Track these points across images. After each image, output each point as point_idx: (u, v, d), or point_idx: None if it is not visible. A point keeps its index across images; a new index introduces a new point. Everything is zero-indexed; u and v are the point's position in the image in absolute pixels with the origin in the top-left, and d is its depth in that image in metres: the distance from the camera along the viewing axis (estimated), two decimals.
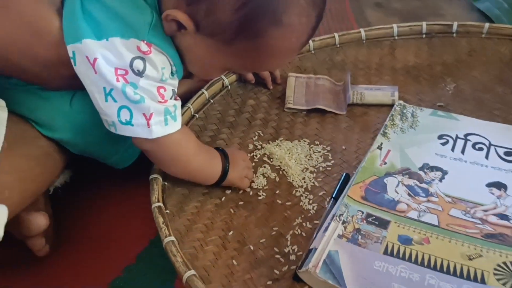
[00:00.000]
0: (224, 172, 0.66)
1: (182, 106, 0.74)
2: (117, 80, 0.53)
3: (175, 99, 0.60)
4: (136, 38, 0.53)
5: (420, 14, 1.24)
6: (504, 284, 0.52)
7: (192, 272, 0.54)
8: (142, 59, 0.54)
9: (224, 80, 0.85)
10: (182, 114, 0.68)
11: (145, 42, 0.54)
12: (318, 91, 0.85)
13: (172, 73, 0.58)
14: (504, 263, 0.55)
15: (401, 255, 0.57)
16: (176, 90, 0.60)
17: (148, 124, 0.56)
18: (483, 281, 0.53)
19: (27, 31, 0.54)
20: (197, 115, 0.80)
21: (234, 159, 0.68)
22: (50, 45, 0.55)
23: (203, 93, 0.82)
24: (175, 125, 0.59)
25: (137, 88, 0.54)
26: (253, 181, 0.71)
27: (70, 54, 0.54)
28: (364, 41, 0.92)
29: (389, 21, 1.20)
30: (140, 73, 0.54)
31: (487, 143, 0.71)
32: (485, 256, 0.56)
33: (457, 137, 0.73)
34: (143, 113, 0.55)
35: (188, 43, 0.56)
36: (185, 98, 0.78)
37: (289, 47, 0.56)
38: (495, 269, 0.54)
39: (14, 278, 0.65)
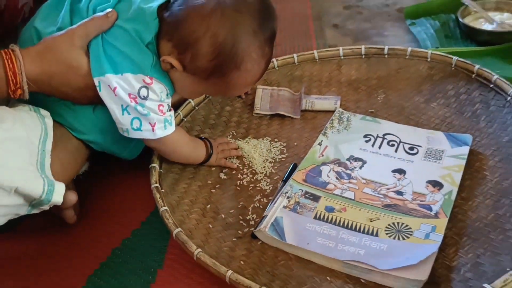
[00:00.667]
0: (209, 155, 0.93)
1: (174, 112, 0.98)
2: (131, 101, 0.78)
3: (170, 110, 0.85)
4: (142, 74, 0.78)
5: (368, 35, 1.45)
6: (389, 236, 0.78)
7: (179, 229, 0.79)
8: (146, 88, 0.79)
9: None
10: (175, 118, 0.93)
11: (148, 76, 0.79)
12: (279, 99, 1.10)
13: (167, 94, 0.82)
14: (393, 223, 0.80)
15: (325, 219, 0.82)
16: (170, 104, 0.85)
17: (153, 129, 0.81)
18: (376, 235, 0.78)
19: (64, 67, 0.78)
20: (185, 119, 1.05)
21: (217, 150, 0.95)
22: (80, 77, 0.79)
23: (190, 102, 1.06)
24: (171, 129, 0.84)
25: (144, 107, 0.79)
26: (234, 164, 0.96)
27: (96, 84, 0.78)
28: (317, 60, 1.16)
29: (343, 39, 1.44)
30: (145, 98, 0.79)
31: (398, 140, 0.96)
32: (382, 219, 0.81)
33: (377, 136, 0.98)
34: (149, 122, 0.81)
35: (177, 77, 0.81)
36: (176, 105, 1.03)
37: (246, 83, 0.83)
38: (386, 227, 0.79)
39: (50, 239, 0.88)
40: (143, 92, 0.78)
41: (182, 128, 0.95)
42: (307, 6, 1.62)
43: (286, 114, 1.06)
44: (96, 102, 0.82)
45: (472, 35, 1.32)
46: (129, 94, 0.78)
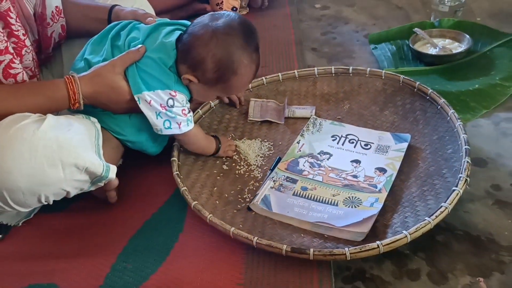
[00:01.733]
0: (218, 149, 1.23)
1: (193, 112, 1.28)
2: (162, 109, 1.09)
3: (190, 112, 1.14)
4: (168, 89, 1.09)
5: (340, 56, 1.74)
6: (346, 206, 1.08)
7: (196, 202, 1.08)
8: (172, 99, 1.09)
9: (211, 104, 1.39)
10: (194, 116, 1.22)
11: (173, 90, 1.09)
12: (268, 109, 1.40)
13: (187, 101, 1.13)
14: (349, 197, 1.11)
15: (301, 195, 1.12)
16: (189, 108, 1.14)
17: (179, 127, 1.12)
18: (336, 205, 1.09)
19: (108, 88, 1.07)
20: (204, 116, 1.36)
21: (223, 142, 1.25)
22: (120, 95, 1.08)
23: (198, 111, 1.36)
24: (192, 125, 1.15)
25: (172, 112, 1.10)
26: (234, 155, 1.26)
27: (136, 99, 1.09)
28: (297, 78, 1.47)
29: (320, 61, 1.73)
30: (172, 106, 1.09)
31: (357, 139, 1.27)
32: (341, 194, 1.12)
33: (341, 136, 1.29)
34: (176, 122, 1.11)
35: (195, 87, 1.12)
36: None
37: (244, 83, 1.14)
38: (344, 200, 1.10)
39: (96, 215, 1.17)
40: (170, 102, 1.09)
41: (200, 127, 1.25)
42: (291, 33, 1.92)
43: (273, 121, 1.37)
44: (129, 112, 1.14)
45: (420, 58, 1.64)
46: (160, 104, 1.09)
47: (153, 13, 1.43)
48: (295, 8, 2.11)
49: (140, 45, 1.11)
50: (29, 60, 1.11)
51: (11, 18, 1.02)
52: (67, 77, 1.06)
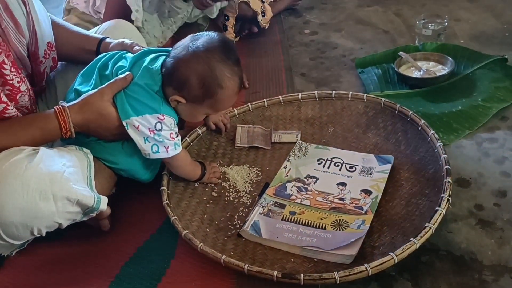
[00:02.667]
0: (203, 175, 1.26)
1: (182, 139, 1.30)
2: (150, 133, 1.12)
3: (178, 136, 1.17)
4: (156, 113, 1.12)
5: (328, 81, 1.79)
6: (333, 229, 1.11)
7: (186, 231, 1.10)
8: (160, 122, 1.12)
9: (198, 131, 1.43)
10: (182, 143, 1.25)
11: (161, 114, 1.12)
12: (254, 135, 1.43)
13: (175, 124, 1.16)
14: (336, 220, 1.13)
15: (289, 220, 1.15)
16: (177, 132, 1.17)
17: (167, 150, 1.15)
18: (324, 228, 1.12)
19: (97, 115, 1.11)
20: (192, 143, 1.38)
21: (208, 169, 1.27)
22: (109, 121, 1.12)
23: (186, 139, 1.39)
24: (179, 149, 1.18)
25: (160, 136, 1.12)
26: (219, 180, 1.29)
27: (124, 125, 1.12)
28: (282, 103, 1.51)
29: (309, 85, 1.77)
30: (160, 130, 1.12)
31: (342, 162, 1.31)
32: (328, 217, 1.14)
33: (327, 159, 1.32)
34: (164, 146, 1.14)
35: (183, 108, 1.15)
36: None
37: (230, 96, 1.15)
38: (331, 223, 1.13)
39: (90, 243, 1.19)
40: (158, 126, 1.12)
41: (187, 152, 1.28)
42: (280, 59, 1.97)
43: (260, 146, 1.40)
44: (120, 139, 1.17)
45: (405, 81, 1.68)
46: (149, 129, 1.12)
47: (144, 44, 1.47)
48: (285, 35, 2.17)
49: (127, 73, 1.15)
50: (25, 100, 1.14)
51: (5, 69, 1.05)
52: (57, 107, 1.09)
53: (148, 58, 1.17)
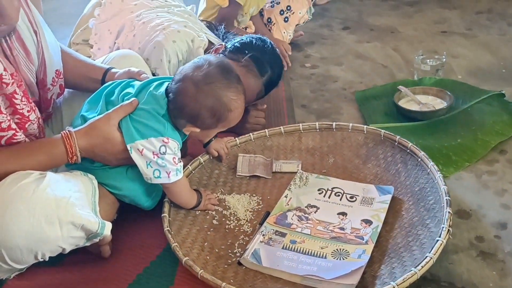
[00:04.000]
0: (198, 203, 1.26)
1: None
2: (153, 157, 1.13)
3: (180, 162, 1.18)
4: (161, 136, 1.13)
5: (328, 113, 1.81)
6: (334, 258, 1.10)
7: (187, 258, 1.10)
8: (165, 146, 1.13)
9: (200, 159, 1.43)
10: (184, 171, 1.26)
11: (166, 137, 1.13)
12: (255, 164, 1.44)
13: (178, 148, 1.17)
14: (337, 249, 1.13)
15: (290, 249, 1.15)
16: (180, 157, 1.18)
17: (168, 176, 1.15)
18: (325, 257, 1.11)
19: (103, 139, 1.12)
20: (193, 172, 1.38)
21: (204, 196, 1.28)
22: (114, 146, 1.13)
23: (188, 167, 1.40)
24: (180, 175, 1.18)
25: (163, 160, 1.13)
26: (215, 207, 1.30)
27: (128, 148, 1.13)
28: (283, 133, 1.52)
29: (309, 117, 1.79)
30: (164, 153, 1.13)
31: (342, 192, 1.31)
32: (329, 246, 1.14)
33: (327, 189, 1.33)
34: (166, 171, 1.15)
35: (197, 134, 1.19)
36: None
37: (240, 112, 1.20)
38: (332, 252, 1.13)
39: (90, 268, 1.18)
40: (163, 149, 1.14)
41: (187, 180, 1.28)
42: (282, 90, 1.99)
43: (261, 175, 1.41)
44: (125, 164, 1.18)
45: (405, 114, 1.71)
46: (153, 152, 1.13)
47: (149, 72, 1.50)
48: (287, 68, 2.20)
49: (132, 98, 1.17)
50: (34, 129, 1.15)
51: (16, 99, 1.07)
52: (63, 133, 1.11)
53: (153, 84, 1.19)
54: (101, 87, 1.27)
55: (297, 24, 2.33)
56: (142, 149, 1.13)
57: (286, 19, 2.28)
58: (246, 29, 2.23)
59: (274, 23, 2.29)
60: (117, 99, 1.20)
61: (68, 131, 1.12)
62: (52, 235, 1.00)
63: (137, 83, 1.23)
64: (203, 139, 1.28)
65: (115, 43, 1.69)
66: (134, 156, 1.14)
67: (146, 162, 1.14)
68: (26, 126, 1.12)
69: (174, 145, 1.16)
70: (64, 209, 1.00)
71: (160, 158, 1.14)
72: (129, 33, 1.67)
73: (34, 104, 1.16)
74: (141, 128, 1.14)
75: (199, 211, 1.29)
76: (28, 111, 1.11)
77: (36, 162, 1.08)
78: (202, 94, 1.13)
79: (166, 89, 1.17)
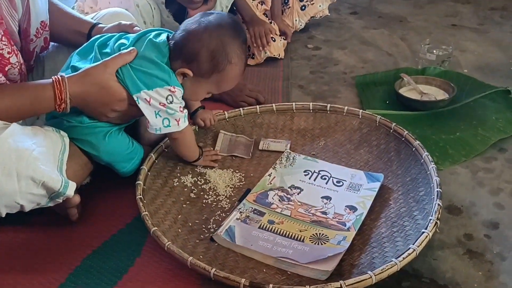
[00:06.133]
0: (200, 156, 1.24)
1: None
2: (161, 107, 1.08)
3: (185, 109, 1.14)
4: (167, 85, 1.08)
5: (325, 95, 1.74)
6: (312, 242, 1.04)
7: (156, 228, 1.04)
8: (172, 95, 1.08)
9: None
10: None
11: (172, 86, 1.08)
12: (236, 144, 1.36)
13: (182, 97, 1.12)
14: (316, 233, 1.07)
15: (266, 229, 1.08)
16: (184, 105, 1.14)
17: (178, 123, 1.12)
18: (302, 241, 1.05)
19: (99, 87, 1.05)
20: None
21: (206, 152, 1.27)
22: (109, 95, 1.06)
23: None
24: (187, 122, 1.15)
25: (171, 109, 1.09)
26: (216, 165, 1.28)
27: (135, 99, 1.07)
28: (275, 111, 1.45)
29: (305, 98, 1.72)
30: (171, 102, 1.09)
31: (329, 175, 1.24)
32: (308, 230, 1.08)
33: (314, 171, 1.26)
34: (175, 119, 1.11)
35: (188, 83, 1.13)
36: None
37: (237, 73, 1.14)
38: (310, 236, 1.06)
39: (56, 231, 1.13)
40: (170, 98, 1.09)
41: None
42: (280, 70, 1.93)
43: (239, 155, 1.34)
44: (116, 117, 1.13)
45: (404, 102, 1.63)
46: (160, 103, 1.08)
47: (142, 27, 1.44)
48: (288, 47, 2.12)
49: (131, 48, 1.10)
50: (15, 74, 1.08)
51: None
52: (54, 77, 1.04)
53: (151, 34, 1.14)
54: (90, 40, 1.19)
55: (313, 17, 2.22)
56: (150, 98, 1.08)
57: (303, 7, 2.17)
58: (262, 4, 2.12)
59: (289, 7, 2.17)
60: (112, 49, 1.13)
61: (60, 76, 1.04)
62: (9, 188, 0.93)
63: (131, 35, 1.16)
64: (192, 95, 1.19)
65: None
66: (142, 106, 1.09)
67: (155, 111, 1.10)
68: (6, 69, 1.05)
69: (179, 94, 1.12)
70: (25, 162, 0.93)
71: (168, 108, 1.10)
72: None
73: (16, 48, 1.09)
74: (144, 78, 1.08)
75: (177, 183, 1.23)
76: (8, 53, 1.04)
77: (20, 104, 1.00)
78: (208, 35, 1.09)
79: (168, 37, 1.13)
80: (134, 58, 1.09)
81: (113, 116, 1.12)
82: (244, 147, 1.37)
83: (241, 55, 1.12)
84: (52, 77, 1.04)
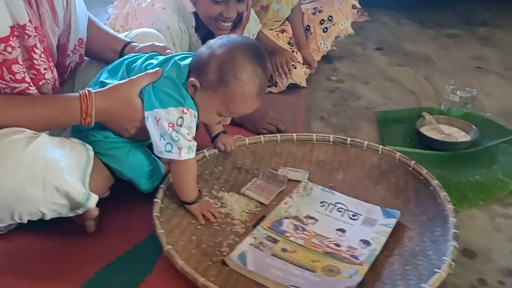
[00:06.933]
0: (196, 201, 1.19)
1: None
2: (169, 129, 1.08)
3: (194, 140, 1.13)
4: (182, 106, 1.09)
5: (346, 129, 1.75)
6: (323, 274, 1.04)
7: (170, 246, 1.05)
8: (182, 118, 1.09)
9: (205, 153, 1.39)
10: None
11: (185, 108, 1.09)
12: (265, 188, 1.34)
13: (196, 117, 1.12)
14: (328, 265, 1.06)
15: (280, 257, 1.09)
16: (194, 134, 1.13)
17: (180, 152, 1.10)
18: (314, 272, 1.05)
19: (125, 103, 1.09)
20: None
21: (204, 202, 1.21)
22: (134, 112, 1.09)
23: None
24: (192, 155, 1.13)
25: (178, 133, 1.09)
26: (212, 219, 1.21)
27: (146, 116, 1.09)
28: (295, 141, 1.47)
29: (326, 130, 1.74)
30: (181, 126, 1.09)
31: (345, 208, 1.25)
32: (321, 261, 1.08)
33: (330, 203, 1.26)
34: (178, 147, 1.10)
35: (198, 98, 1.11)
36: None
37: (245, 94, 1.09)
38: (322, 267, 1.06)
39: (73, 240, 1.14)
40: (180, 121, 1.09)
41: (196, 166, 1.22)
42: (302, 100, 1.96)
43: (258, 200, 1.30)
44: (139, 134, 1.14)
45: (425, 141, 1.63)
46: (169, 124, 1.09)
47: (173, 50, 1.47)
48: (312, 78, 2.15)
49: (157, 68, 1.13)
50: (48, 89, 1.12)
51: (35, 53, 1.04)
52: (82, 91, 1.07)
53: (178, 56, 1.17)
54: (122, 58, 1.23)
55: (337, 37, 2.26)
56: (159, 118, 1.09)
57: (325, 30, 2.21)
58: (283, 32, 2.18)
59: (312, 32, 2.22)
60: (140, 68, 1.16)
61: (88, 90, 1.08)
62: (33, 196, 0.95)
63: (160, 57, 1.20)
64: (204, 113, 1.15)
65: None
66: (150, 124, 1.10)
67: (160, 133, 1.10)
68: (40, 83, 1.09)
69: (191, 118, 1.11)
70: (52, 172, 0.96)
71: (175, 131, 1.09)
72: (132, 18, 1.70)
73: (53, 64, 1.13)
74: (162, 96, 1.10)
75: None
76: (45, 69, 1.08)
77: (47, 114, 1.04)
78: (223, 48, 1.09)
79: (192, 59, 1.14)
80: (159, 78, 1.12)
81: (135, 132, 1.14)
82: (268, 193, 1.32)
83: (252, 76, 1.08)
84: (80, 91, 1.07)
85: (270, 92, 1.98)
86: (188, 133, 1.11)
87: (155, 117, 1.10)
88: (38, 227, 1.12)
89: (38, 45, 1.04)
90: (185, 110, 1.10)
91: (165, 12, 1.64)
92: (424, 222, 1.18)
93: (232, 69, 1.07)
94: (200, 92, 1.11)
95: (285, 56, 1.97)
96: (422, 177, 1.28)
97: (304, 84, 2.04)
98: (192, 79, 1.10)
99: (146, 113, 1.10)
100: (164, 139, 1.10)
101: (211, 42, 1.13)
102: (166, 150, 1.11)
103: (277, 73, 1.97)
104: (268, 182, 1.35)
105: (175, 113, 1.09)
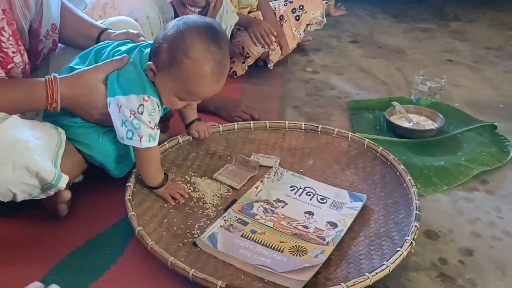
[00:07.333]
0: (161, 185, 1.21)
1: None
2: (130, 116, 1.09)
3: (157, 128, 1.14)
4: (143, 94, 1.09)
5: (319, 117, 1.79)
6: (291, 253, 1.07)
7: (141, 228, 1.07)
8: (143, 105, 1.09)
9: (179, 139, 1.41)
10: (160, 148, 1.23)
11: (147, 95, 1.09)
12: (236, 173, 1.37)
13: (158, 111, 1.13)
14: (295, 245, 1.10)
15: (248, 237, 1.12)
16: (157, 123, 1.14)
17: (140, 140, 1.11)
18: (282, 251, 1.08)
19: (88, 89, 1.10)
20: (170, 150, 1.36)
21: (171, 184, 1.23)
22: (98, 98, 1.10)
23: (165, 144, 1.37)
24: (154, 143, 1.14)
25: (139, 121, 1.09)
26: (181, 199, 1.23)
27: (108, 102, 1.10)
28: (268, 128, 1.50)
29: (299, 118, 1.77)
30: (141, 113, 1.09)
31: (314, 192, 1.28)
32: (288, 242, 1.11)
33: (300, 188, 1.30)
34: (139, 135, 1.11)
35: (157, 83, 1.11)
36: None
37: (198, 72, 1.05)
38: (290, 248, 1.09)
39: (44, 225, 1.16)
40: (141, 109, 1.10)
41: (159, 153, 1.23)
42: (277, 90, 1.99)
43: (228, 185, 1.32)
44: (104, 120, 1.14)
45: (394, 129, 1.68)
46: (130, 111, 1.10)
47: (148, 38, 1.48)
48: (287, 69, 2.18)
49: (124, 55, 1.14)
50: (17, 73, 1.13)
51: (3, 36, 1.05)
52: (47, 77, 1.08)
53: (144, 43, 1.17)
54: (95, 45, 1.25)
55: (309, 24, 2.28)
56: (121, 105, 1.10)
57: (297, 18, 2.24)
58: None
59: (285, 21, 2.24)
60: (108, 55, 1.18)
61: (53, 76, 1.09)
62: (3, 176, 0.97)
63: (130, 44, 1.21)
64: (166, 99, 1.13)
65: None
66: (112, 110, 1.11)
67: (122, 120, 1.11)
68: (9, 67, 1.09)
69: (153, 105, 1.11)
70: (21, 151, 0.97)
71: (136, 119, 1.10)
72: (110, 9, 1.71)
73: (23, 48, 1.13)
74: (124, 83, 1.11)
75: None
76: (13, 52, 1.09)
77: (12, 99, 1.04)
78: (173, 28, 1.08)
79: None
80: (125, 65, 1.13)
81: (99, 118, 1.15)
82: (240, 178, 1.35)
83: (204, 53, 1.04)
84: (46, 76, 1.08)
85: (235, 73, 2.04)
86: (150, 121, 1.12)
87: (117, 104, 1.10)
88: (8, 212, 1.13)
89: (6, 27, 1.05)
90: (146, 98, 1.10)
91: (144, 1, 1.65)
92: (389, 205, 1.22)
93: (181, 47, 1.05)
94: (157, 75, 1.10)
95: (263, 26, 1.98)
96: (388, 163, 1.32)
97: (271, 65, 2.12)
98: (149, 63, 1.10)
99: (109, 99, 1.11)
100: (126, 126, 1.11)
101: (167, 24, 1.13)
102: (127, 137, 1.12)
103: (257, 44, 1.99)
104: (240, 168, 1.38)
105: (136, 101, 1.10)
